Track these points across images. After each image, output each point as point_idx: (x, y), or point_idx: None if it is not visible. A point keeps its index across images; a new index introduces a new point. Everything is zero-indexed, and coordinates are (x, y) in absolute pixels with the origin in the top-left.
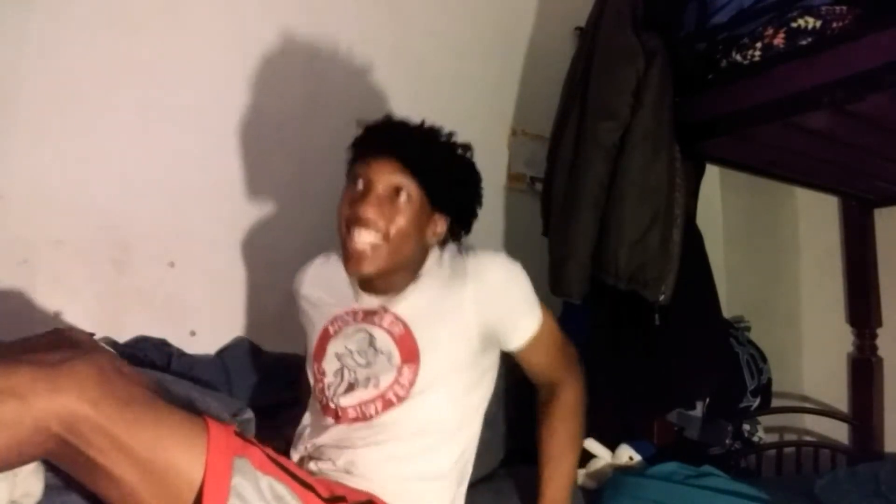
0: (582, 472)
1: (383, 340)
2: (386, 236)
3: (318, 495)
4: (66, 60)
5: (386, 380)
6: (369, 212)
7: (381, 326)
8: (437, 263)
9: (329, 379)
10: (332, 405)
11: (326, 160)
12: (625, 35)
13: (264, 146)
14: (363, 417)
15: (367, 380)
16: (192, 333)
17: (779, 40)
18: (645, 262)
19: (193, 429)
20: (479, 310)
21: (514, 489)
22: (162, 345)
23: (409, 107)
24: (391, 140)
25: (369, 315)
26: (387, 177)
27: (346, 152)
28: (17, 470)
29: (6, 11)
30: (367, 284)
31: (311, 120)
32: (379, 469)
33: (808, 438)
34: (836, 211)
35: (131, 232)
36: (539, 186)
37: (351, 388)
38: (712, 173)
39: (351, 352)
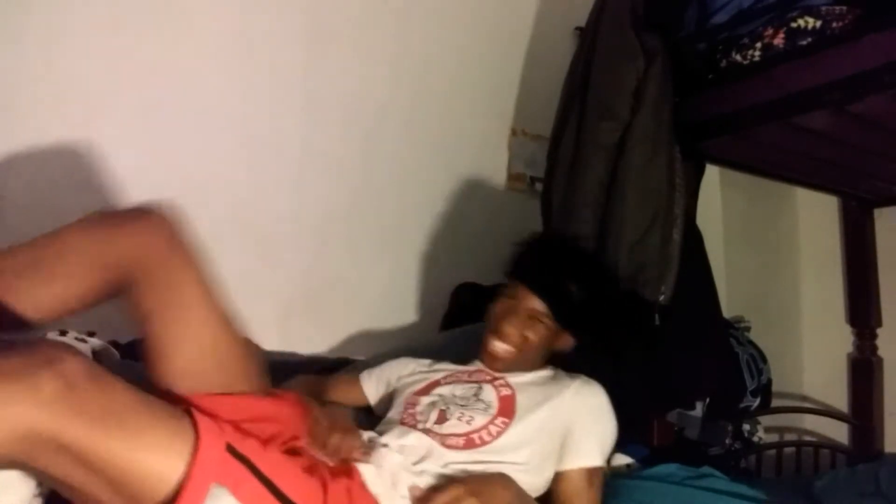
0: None
1: (488, 394)
2: (519, 348)
3: None
4: (66, 60)
5: (479, 421)
6: (509, 328)
7: (491, 384)
8: (551, 369)
9: (420, 408)
10: (419, 427)
11: (326, 160)
12: (625, 35)
13: (264, 146)
14: (445, 444)
15: (461, 416)
16: None
17: (779, 40)
18: (645, 262)
19: (175, 444)
20: (571, 411)
21: None
22: None
23: (409, 106)
24: (543, 282)
25: (484, 375)
26: (530, 304)
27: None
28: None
29: (6, 11)
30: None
31: (311, 120)
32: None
33: (808, 438)
34: (836, 211)
35: None
36: (539, 186)
37: (442, 417)
38: (712, 173)
39: (455, 396)
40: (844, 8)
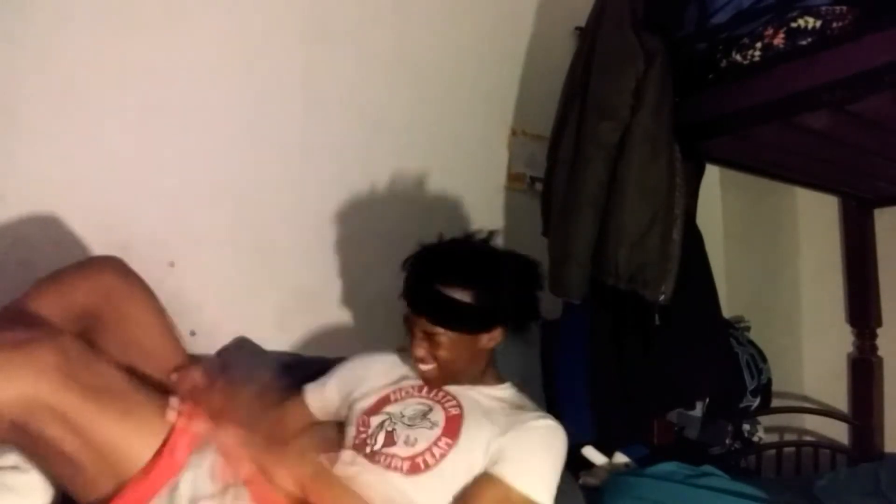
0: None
1: (437, 414)
2: (438, 363)
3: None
4: (66, 61)
5: (423, 443)
6: (418, 352)
7: (440, 403)
8: (504, 389)
9: (371, 430)
10: (367, 449)
11: (327, 161)
12: (625, 35)
13: (264, 146)
14: (390, 467)
15: (407, 437)
16: (192, 333)
17: (779, 40)
18: (645, 262)
19: (159, 422)
20: (517, 437)
21: None
22: None
23: (409, 107)
24: (421, 303)
25: (437, 392)
26: (420, 325)
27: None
28: None
29: (6, 12)
30: None
31: (311, 121)
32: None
33: (808, 438)
34: (836, 211)
35: (131, 232)
36: (539, 186)
37: (390, 439)
38: (712, 173)
39: (403, 416)
40: (844, 8)
